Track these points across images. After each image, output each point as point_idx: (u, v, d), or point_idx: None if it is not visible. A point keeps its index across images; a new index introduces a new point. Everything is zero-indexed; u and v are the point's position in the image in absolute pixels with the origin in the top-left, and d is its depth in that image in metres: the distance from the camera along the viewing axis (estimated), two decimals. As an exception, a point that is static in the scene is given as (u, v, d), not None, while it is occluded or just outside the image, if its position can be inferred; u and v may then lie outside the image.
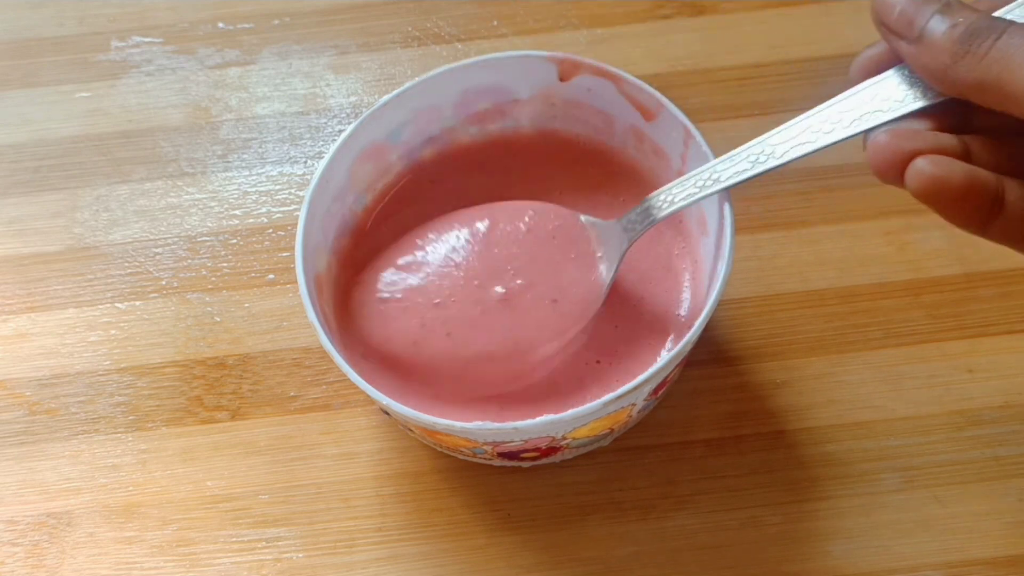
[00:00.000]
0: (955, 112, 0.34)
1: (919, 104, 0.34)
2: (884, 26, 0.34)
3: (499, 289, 0.41)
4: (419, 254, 0.42)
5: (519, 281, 0.41)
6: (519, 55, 0.44)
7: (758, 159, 0.37)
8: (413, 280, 0.42)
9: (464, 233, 0.42)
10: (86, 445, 0.45)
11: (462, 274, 0.41)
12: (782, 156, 0.36)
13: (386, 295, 0.42)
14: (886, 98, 0.34)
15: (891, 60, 0.35)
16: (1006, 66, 0.30)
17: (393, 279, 0.42)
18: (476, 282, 0.41)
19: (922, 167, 0.32)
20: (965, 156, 0.33)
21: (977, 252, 0.47)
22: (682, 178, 0.39)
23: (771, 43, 0.53)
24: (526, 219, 0.42)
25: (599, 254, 0.42)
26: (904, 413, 0.43)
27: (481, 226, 0.42)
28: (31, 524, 0.43)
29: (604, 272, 0.41)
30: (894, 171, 0.33)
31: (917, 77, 0.34)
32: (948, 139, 0.33)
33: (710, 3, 0.54)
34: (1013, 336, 0.45)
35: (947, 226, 0.47)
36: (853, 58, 0.52)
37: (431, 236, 0.43)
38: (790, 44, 0.53)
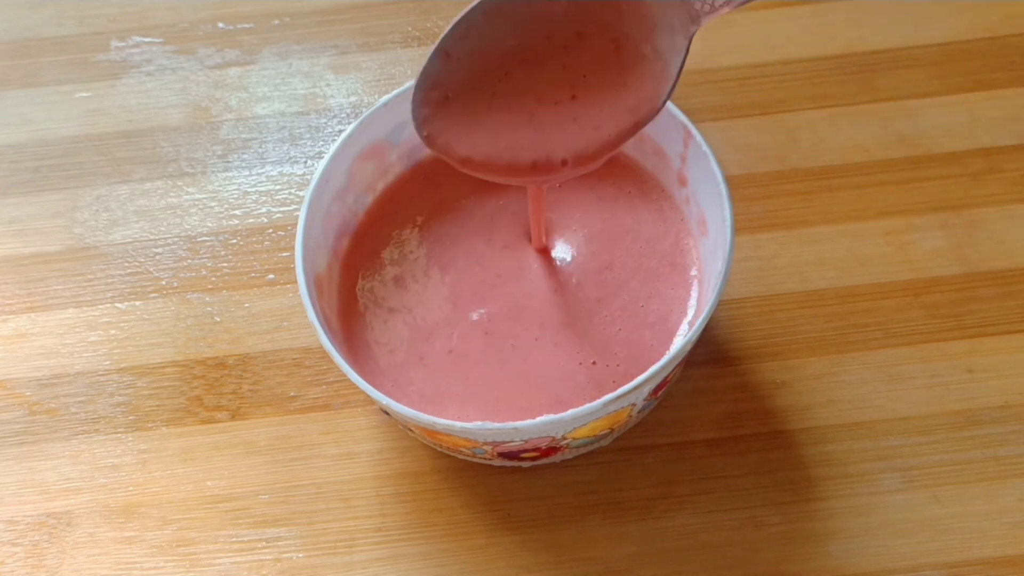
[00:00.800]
0: None
1: None
2: None
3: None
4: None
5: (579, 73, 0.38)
6: (519, 55, 0.44)
7: None
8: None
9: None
10: (86, 445, 0.45)
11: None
12: None
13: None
14: None
15: None
16: None
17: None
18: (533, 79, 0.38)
19: None
20: None
21: (977, 252, 0.47)
22: None
23: (771, 43, 0.53)
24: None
25: (665, 32, 0.38)
26: (904, 413, 0.43)
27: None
28: (31, 524, 0.43)
29: (668, 69, 0.38)
30: None
31: None
32: None
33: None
34: (1013, 336, 0.45)
35: (947, 226, 0.48)
36: (853, 58, 0.52)
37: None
38: (790, 44, 0.53)
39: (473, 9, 0.37)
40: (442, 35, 0.36)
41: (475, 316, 0.42)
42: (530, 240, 0.44)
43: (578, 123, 0.39)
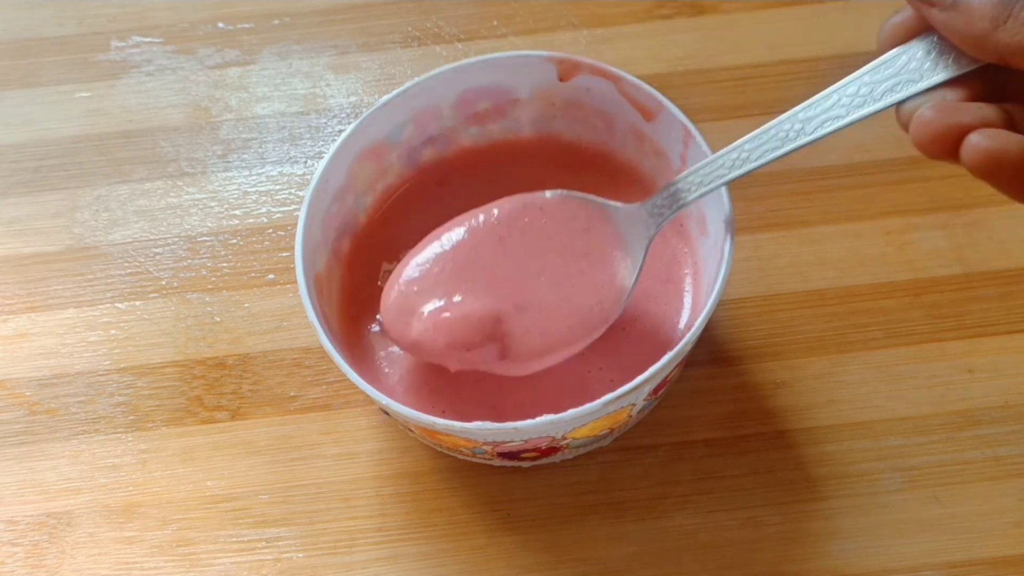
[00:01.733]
0: (988, 79, 0.33)
1: (951, 72, 0.33)
2: None
3: (516, 298, 0.40)
4: (436, 256, 0.41)
5: (536, 284, 0.40)
6: (519, 55, 0.44)
7: (788, 136, 0.36)
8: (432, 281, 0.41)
9: (477, 235, 0.41)
10: (86, 445, 0.45)
11: (480, 279, 0.40)
12: (812, 132, 0.35)
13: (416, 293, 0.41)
14: (917, 68, 0.33)
15: (918, 28, 0.34)
16: None
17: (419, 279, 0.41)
18: (492, 287, 0.40)
19: (977, 142, 0.31)
20: (1010, 126, 0.32)
21: (977, 252, 0.47)
22: (708, 159, 0.38)
23: (771, 43, 0.53)
24: (541, 211, 0.41)
25: (622, 245, 0.40)
26: (904, 413, 0.43)
27: (494, 222, 0.41)
28: (31, 524, 0.43)
29: (629, 266, 0.40)
30: (942, 147, 0.32)
31: (948, 44, 0.33)
32: (991, 110, 0.32)
33: (710, 3, 0.54)
34: (1013, 336, 0.45)
35: (947, 226, 0.47)
36: (853, 58, 0.52)
37: (444, 240, 0.41)
38: (790, 44, 0.53)
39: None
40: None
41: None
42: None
43: (541, 328, 0.40)
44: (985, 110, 0.32)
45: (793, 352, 0.45)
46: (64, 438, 0.45)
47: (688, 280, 0.44)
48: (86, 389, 0.46)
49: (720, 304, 0.43)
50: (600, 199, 0.41)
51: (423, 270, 0.40)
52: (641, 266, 0.40)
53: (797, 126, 0.36)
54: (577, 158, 0.46)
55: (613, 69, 0.43)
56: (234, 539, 0.42)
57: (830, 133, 0.35)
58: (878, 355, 0.45)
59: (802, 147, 0.36)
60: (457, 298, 0.40)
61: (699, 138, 0.41)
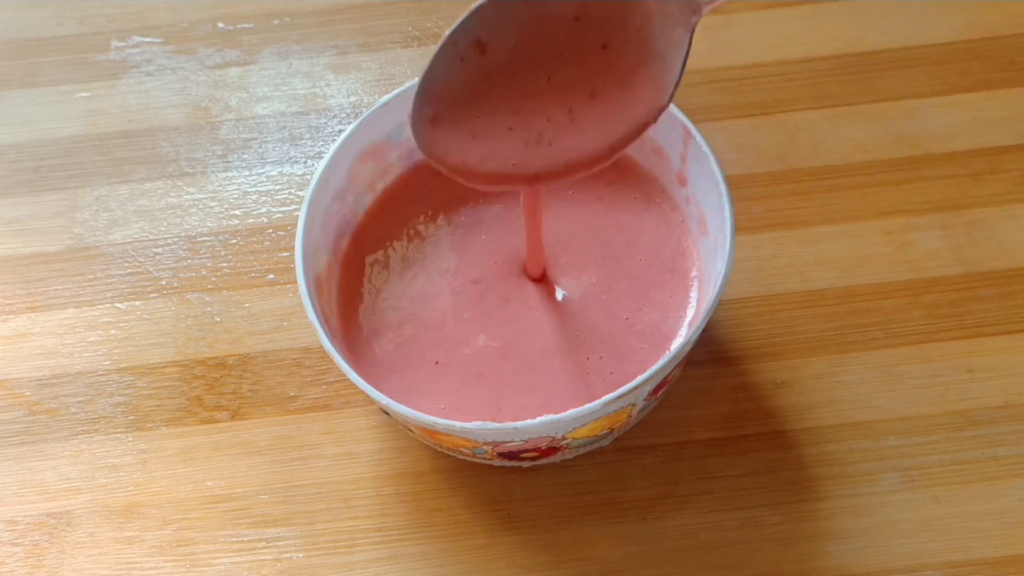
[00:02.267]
0: None
1: None
2: None
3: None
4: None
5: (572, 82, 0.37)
6: (519, 55, 0.44)
7: None
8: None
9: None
10: (86, 445, 0.45)
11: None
12: None
13: None
14: None
15: None
16: None
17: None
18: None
19: None
20: None
21: (977, 252, 0.47)
22: None
23: (771, 43, 0.53)
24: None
25: (665, 25, 0.37)
26: (904, 413, 0.43)
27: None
28: (31, 524, 0.43)
29: (675, 48, 0.37)
30: None
31: None
32: None
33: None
34: (1013, 336, 0.45)
35: (947, 226, 0.48)
36: (853, 58, 0.52)
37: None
38: (790, 44, 0.53)
39: (472, 14, 0.36)
40: (441, 42, 0.36)
41: (476, 316, 0.42)
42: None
43: (583, 128, 0.38)
44: None
45: (793, 352, 0.45)
46: (64, 438, 0.45)
47: (687, 274, 0.43)
48: (86, 389, 0.46)
49: (720, 304, 0.43)
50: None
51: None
52: (686, 53, 0.36)
53: None
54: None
55: (613, 69, 0.43)
56: (234, 539, 0.42)
57: None
58: (878, 355, 0.45)
59: None
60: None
61: (699, 138, 0.41)
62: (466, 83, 0.37)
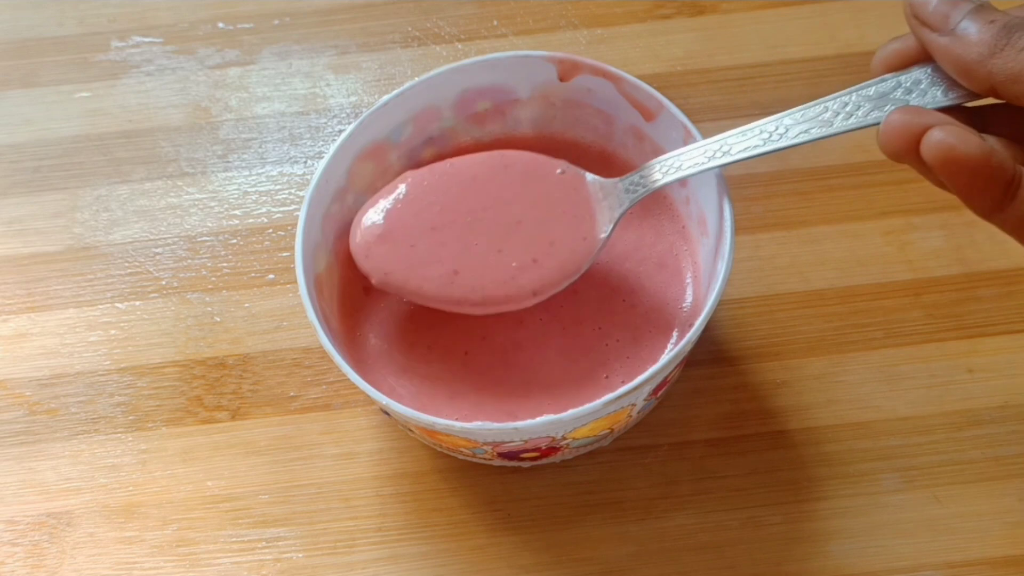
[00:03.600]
0: (974, 119, 0.34)
1: (940, 103, 0.34)
2: (917, 18, 0.34)
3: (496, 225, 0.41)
4: (417, 197, 0.42)
5: (518, 221, 0.41)
6: (519, 55, 0.44)
7: (771, 137, 0.37)
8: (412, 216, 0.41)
9: (464, 177, 0.42)
10: (86, 445, 0.45)
11: (462, 215, 0.41)
12: (795, 137, 0.36)
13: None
14: (906, 90, 0.35)
15: (914, 57, 0.35)
16: None
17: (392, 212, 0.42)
18: (472, 220, 0.41)
19: (938, 137, 0.32)
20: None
21: (977, 252, 0.47)
22: (690, 146, 0.39)
23: (771, 43, 0.53)
24: (521, 167, 0.42)
25: (598, 210, 0.41)
26: (904, 413, 0.43)
27: (475, 172, 0.42)
28: (31, 524, 0.43)
29: (600, 228, 0.40)
30: (904, 145, 0.33)
31: (941, 76, 0.34)
32: (964, 126, 0.33)
33: (710, 3, 0.54)
34: (1013, 336, 0.45)
35: (947, 226, 0.47)
36: (853, 58, 0.52)
37: (429, 182, 0.42)
38: (790, 44, 0.53)
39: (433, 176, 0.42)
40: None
41: (475, 316, 0.42)
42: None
43: (499, 275, 0.41)
44: (953, 119, 0.33)
45: (793, 352, 0.45)
46: (64, 438, 0.45)
47: (687, 274, 0.43)
48: (86, 389, 0.46)
49: (720, 304, 0.43)
50: (576, 168, 0.42)
51: (394, 211, 0.42)
52: (607, 238, 0.40)
53: (781, 129, 0.37)
54: (577, 158, 0.46)
55: (613, 69, 0.43)
56: (234, 539, 0.42)
57: (811, 140, 0.36)
58: (878, 355, 0.45)
59: (782, 149, 0.36)
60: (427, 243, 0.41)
61: (699, 138, 0.41)
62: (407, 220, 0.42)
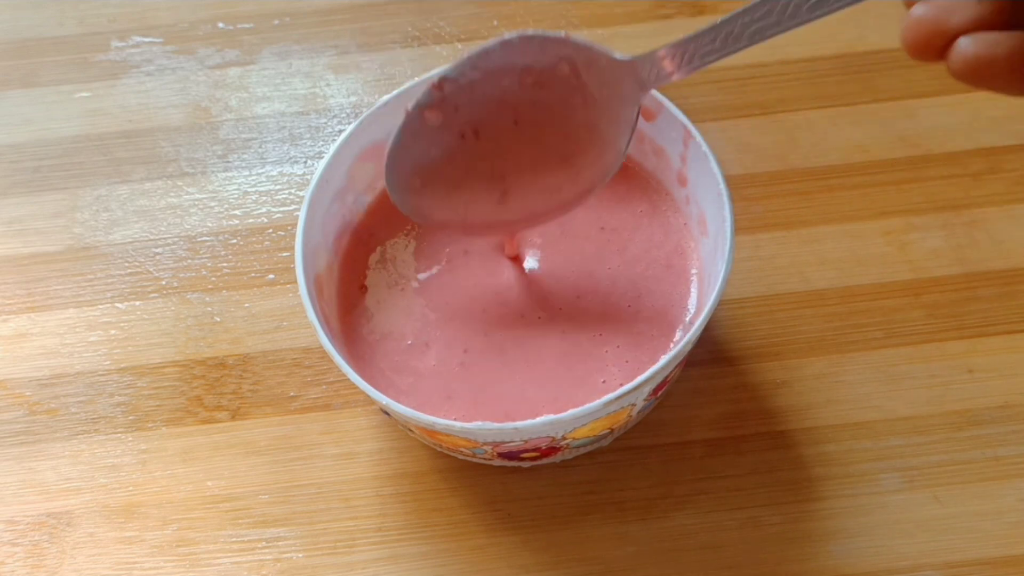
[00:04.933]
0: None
1: None
2: None
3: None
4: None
5: (529, 142, 0.40)
6: (519, 55, 0.44)
7: (787, 11, 0.33)
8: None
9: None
10: (86, 445, 0.45)
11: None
12: (809, 11, 0.32)
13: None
14: None
15: None
16: None
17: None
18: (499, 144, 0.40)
19: (967, 49, 0.29)
20: (1013, 22, 0.30)
21: (977, 252, 0.47)
22: (701, 31, 0.36)
23: (771, 43, 0.53)
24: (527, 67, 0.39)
25: (613, 103, 0.38)
26: (904, 413, 0.43)
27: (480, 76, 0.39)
28: (31, 524, 0.43)
29: (621, 130, 0.39)
30: (930, 50, 0.30)
31: None
32: (989, 6, 0.30)
33: (710, 3, 0.54)
34: (1013, 336, 0.45)
35: (947, 226, 0.47)
36: (853, 58, 0.52)
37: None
38: (790, 44, 0.53)
39: (433, 87, 0.39)
40: (410, 110, 0.39)
41: (475, 316, 0.42)
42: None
43: (541, 189, 0.41)
44: (983, 7, 0.30)
45: (793, 352, 0.45)
46: (64, 438, 0.45)
47: (687, 274, 0.43)
48: (86, 389, 0.46)
49: (720, 304, 0.43)
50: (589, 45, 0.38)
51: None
52: (633, 129, 0.38)
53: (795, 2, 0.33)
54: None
55: (613, 69, 0.43)
56: (234, 539, 0.42)
57: (837, 9, 0.32)
58: (878, 355, 0.45)
59: (800, 25, 0.33)
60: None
61: (699, 138, 0.41)
62: (440, 154, 0.40)
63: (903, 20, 0.32)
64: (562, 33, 0.38)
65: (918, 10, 0.31)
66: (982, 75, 0.29)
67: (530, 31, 0.38)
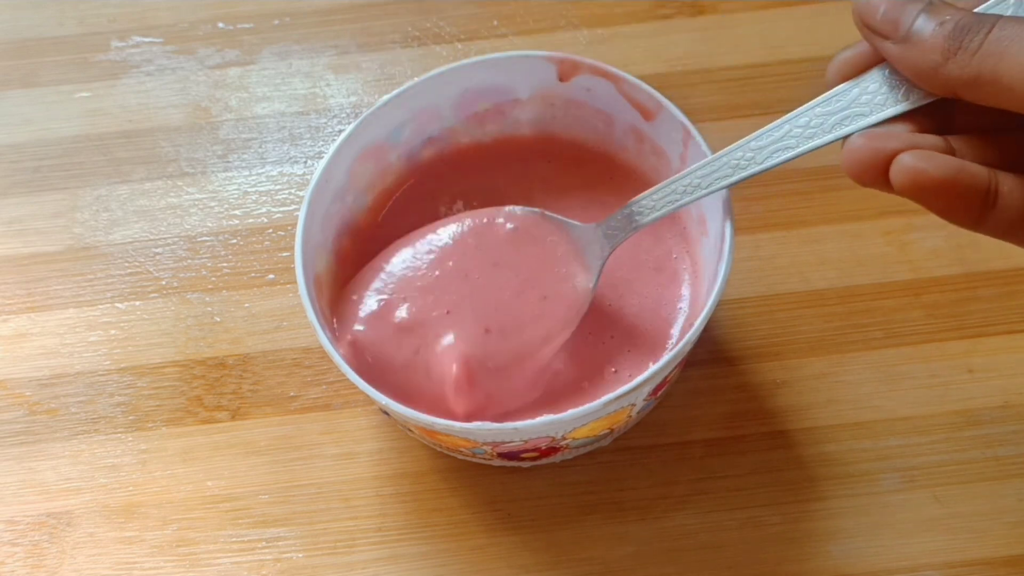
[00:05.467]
0: (937, 114, 0.33)
1: (901, 107, 0.33)
2: (867, 27, 0.34)
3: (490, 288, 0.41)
4: (403, 269, 0.42)
5: (508, 282, 0.41)
6: (519, 55, 0.44)
7: (739, 164, 0.37)
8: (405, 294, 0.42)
9: (444, 243, 0.42)
10: (86, 445, 0.45)
11: (452, 283, 0.41)
12: (763, 161, 0.36)
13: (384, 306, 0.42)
14: (867, 101, 0.34)
15: (870, 61, 0.35)
16: (1001, 59, 0.30)
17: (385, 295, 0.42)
18: (465, 288, 0.41)
19: (905, 162, 0.31)
20: (950, 153, 0.32)
21: (977, 252, 0.47)
22: (663, 184, 0.39)
23: (771, 43, 0.53)
24: (504, 225, 0.42)
25: (581, 259, 0.41)
26: (904, 413, 0.43)
27: (460, 234, 0.42)
28: (31, 524, 0.43)
29: (586, 279, 0.41)
30: (872, 173, 0.32)
31: (898, 78, 0.34)
32: (930, 138, 0.32)
33: (710, 3, 0.54)
34: (1013, 336, 0.45)
35: (947, 226, 0.47)
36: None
37: (410, 250, 0.43)
38: (790, 44, 0.53)
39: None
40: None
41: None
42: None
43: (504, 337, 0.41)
44: (923, 138, 0.32)
45: (793, 352, 0.45)
46: (64, 438, 0.45)
47: (686, 279, 0.44)
48: (86, 389, 0.46)
49: (720, 304, 0.43)
50: (558, 217, 0.42)
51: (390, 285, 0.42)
52: (595, 284, 0.41)
53: (748, 155, 0.36)
54: (577, 158, 0.46)
55: (613, 69, 0.43)
56: (234, 539, 0.42)
57: (781, 163, 0.36)
58: (878, 355, 0.45)
59: (751, 176, 0.36)
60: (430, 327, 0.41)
61: (699, 138, 0.41)
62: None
63: (840, 154, 0.33)
64: (537, 211, 0.42)
65: (855, 140, 0.33)
66: (922, 189, 0.31)
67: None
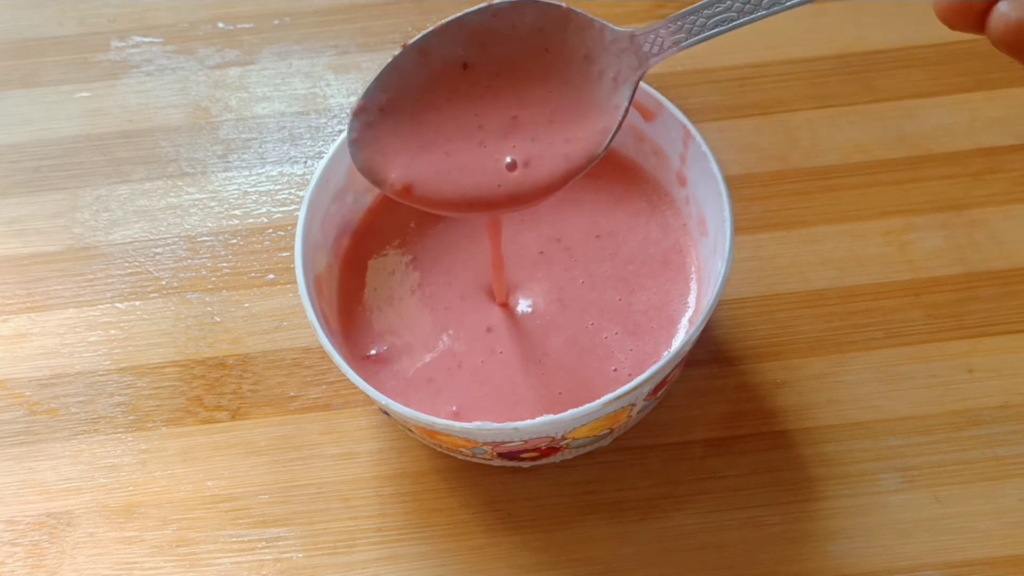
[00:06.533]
0: None
1: None
2: None
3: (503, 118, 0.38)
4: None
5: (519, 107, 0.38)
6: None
7: None
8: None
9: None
10: (86, 445, 0.45)
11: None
12: None
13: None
14: None
15: None
16: None
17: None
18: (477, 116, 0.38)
19: (1006, 13, 0.29)
20: None
21: (977, 252, 0.47)
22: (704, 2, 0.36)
23: (771, 43, 0.53)
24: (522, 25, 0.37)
25: (610, 73, 0.37)
26: (904, 413, 0.43)
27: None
28: (31, 524, 0.43)
29: (618, 96, 0.37)
30: (966, 16, 0.30)
31: None
32: None
33: (710, 3, 0.54)
34: (1013, 336, 0.45)
35: (947, 226, 0.47)
36: (853, 58, 0.52)
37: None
38: (790, 44, 0.53)
39: (431, 31, 0.37)
40: (395, 55, 0.36)
41: (474, 315, 0.42)
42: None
43: (525, 163, 0.38)
44: None
45: (793, 352, 0.45)
46: (64, 438, 0.45)
47: (686, 274, 0.43)
48: (86, 389, 0.46)
49: (720, 304, 0.43)
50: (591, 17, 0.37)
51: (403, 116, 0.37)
52: (628, 106, 0.37)
53: None
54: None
55: (613, 69, 0.43)
56: (234, 539, 0.42)
57: None
58: (878, 355, 0.45)
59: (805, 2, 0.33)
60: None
61: (699, 138, 0.41)
62: (419, 81, 0.37)
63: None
64: (562, 4, 0.37)
65: None
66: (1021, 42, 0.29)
67: None
